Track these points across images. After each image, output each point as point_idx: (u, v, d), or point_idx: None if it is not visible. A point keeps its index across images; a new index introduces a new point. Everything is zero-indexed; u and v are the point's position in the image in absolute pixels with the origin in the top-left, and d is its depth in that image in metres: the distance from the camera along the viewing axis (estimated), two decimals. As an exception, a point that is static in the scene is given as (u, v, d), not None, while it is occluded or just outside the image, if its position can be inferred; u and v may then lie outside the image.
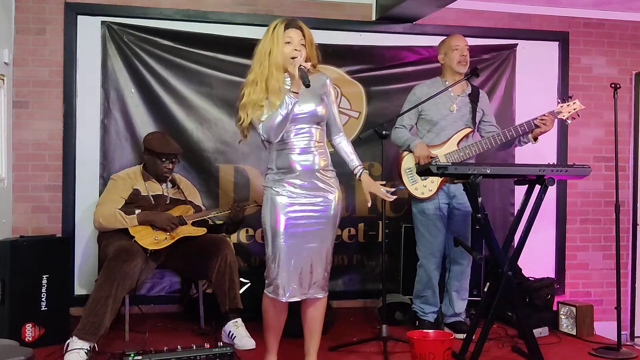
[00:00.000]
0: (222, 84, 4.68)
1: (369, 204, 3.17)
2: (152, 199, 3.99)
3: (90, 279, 4.31)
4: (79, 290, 4.47)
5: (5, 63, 4.28)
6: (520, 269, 4.60)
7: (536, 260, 4.91)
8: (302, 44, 3.01)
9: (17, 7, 4.46)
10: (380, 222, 4.61)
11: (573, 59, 5.29)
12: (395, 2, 4.57)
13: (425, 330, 3.50)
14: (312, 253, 3.02)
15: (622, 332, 3.94)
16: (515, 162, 4.92)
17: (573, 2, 5.15)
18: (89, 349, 3.39)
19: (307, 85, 2.87)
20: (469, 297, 4.23)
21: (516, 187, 4.73)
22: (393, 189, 3.16)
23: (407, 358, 3.41)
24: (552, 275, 5.07)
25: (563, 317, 4.28)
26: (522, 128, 3.99)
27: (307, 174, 3.02)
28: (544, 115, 3.96)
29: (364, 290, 4.92)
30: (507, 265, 3.35)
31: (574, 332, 4.19)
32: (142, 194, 3.97)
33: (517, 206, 3.89)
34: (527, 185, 3.49)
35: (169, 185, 4.13)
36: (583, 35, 5.32)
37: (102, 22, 4.54)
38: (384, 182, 3.18)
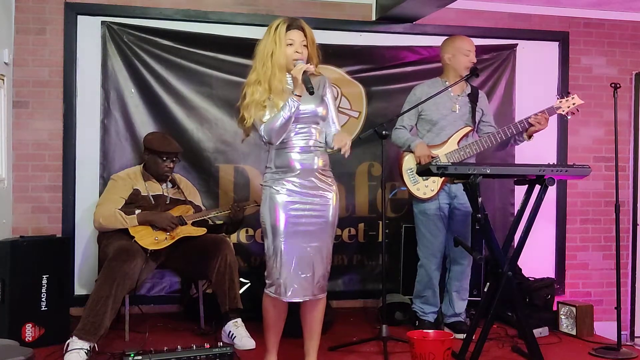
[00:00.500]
0: (222, 84, 4.68)
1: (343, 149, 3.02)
2: (152, 199, 3.99)
3: (90, 279, 4.31)
4: (79, 290, 4.47)
5: (5, 63, 4.28)
6: (520, 269, 4.60)
7: (536, 260, 4.91)
8: (303, 45, 3.02)
9: (17, 7, 4.46)
10: (380, 222, 4.62)
11: (573, 59, 5.29)
12: (395, 2, 4.57)
13: (425, 330, 3.50)
14: (313, 253, 3.02)
15: (622, 332, 3.94)
16: (515, 162, 4.92)
17: (573, 2, 5.15)
18: (89, 349, 3.39)
19: (311, 93, 2.88)
20: (469, 297, 4.23)
21: (516, 187, 4.73)
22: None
23: (407, 358, 3.41)
24: (552, 275, 5.07)
25: (563, 317, 4.28)
26: (522, 125, 3.99)
27: (306, 173, 3.03)
28: (537, 114, 3.96)
29: (364, 290, 4.92)
30: (507, 265, 3.35)
31: (574, 332, 4.19)
32: (142, 194, 3.97)
33: (517, 206, 3.89)
34: (527, 185, 3.49)
35: (169, 185, 4.13)
36: (583, 35, 5.32)
37: (102, 22, 4.54)
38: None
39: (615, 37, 5.37)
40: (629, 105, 5.36)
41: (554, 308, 4.45)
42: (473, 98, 4.14)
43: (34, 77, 4.48)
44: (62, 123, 4.51)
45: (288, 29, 3.00)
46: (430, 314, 4.15)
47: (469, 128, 4.09)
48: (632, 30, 5.40)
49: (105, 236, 3.87)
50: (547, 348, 3.72)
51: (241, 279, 4.17)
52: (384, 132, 3.70)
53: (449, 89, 4.07)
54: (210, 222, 4.19)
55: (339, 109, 4.72)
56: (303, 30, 3.04)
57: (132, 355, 3.05)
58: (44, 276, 3.72)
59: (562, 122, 5.10)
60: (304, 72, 2.90)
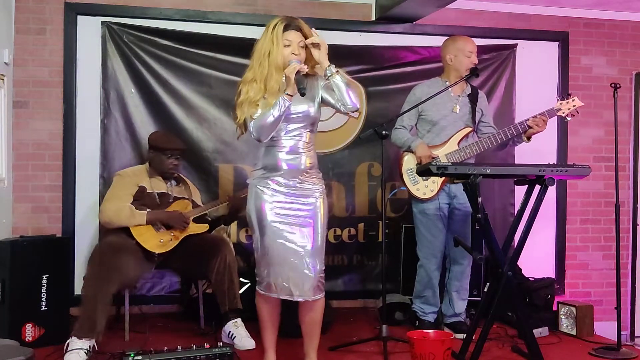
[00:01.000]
0: (221, 84, 4.68)
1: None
2: (157, 197, 3.98)
3: (90, 279, 4.31)
4: (79, 290, 4.43)
5: (5, 63, 4.28)
6: (520, 269, 4.60)
7: (536, 260, 4.91)
8: (301, 46, 3.01)
9: (17, 7, 4.46)
10: (380, 222, 4.61)
11: (573, 59, 5.29)
12: (395, 2, 4.57)
13: (425, 330, 3.50)
14: (302, 253, 3.01)
15: (622, 332, 3.94)
16: (515, 162, 4.92)
17: (573, 2, 5.15)
18: (88, 348, 3.40)
19: (302, 94, 2.87)
20: (469, 297, 4.23)
21: (516, 187, 4.73)
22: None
23: (407, 358, 3.41)
24: (552, 275, 5.07)
25: (563, 317, 4.28)
26: (522, 126, 3.99)
27: (292, 173, 3.03)
28: (537, 116, 3.96)
29: (364, 290, 4.92)
30: (507, 265, 3.35)
31: (574, 332, 4.19)
32: (147, 191, 3.97)
33: (517, 206, 3.88)
34: (527, 185, 3.49)
35: (173, 183, 4.13)
36: (583, 35, 5.32)
37: (102, 22, 4.54)
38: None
39: (615, 37, 5.37)
40: (629, 106, 5.36)
41: (554, 308, 4.45)
42: (473, 98, 4.14)
43: (34, 77, 4.48)
44: (62, 123, 4.51)
45: (285, 29, 2.99)
46: (430, 314, 4.15)
47: (470, 129, 4.09)
48: (632, 30, 5.40)
49: (105, 235, 3.88)
50: (547, 348, 3.72)
51: (241, 279, 4.17)
52: (383, 132, 3.70)
53: (449, 89, 4.07)
54: (208, 218, 4.18)
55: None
56: (301, 30, 3.03)
57: (132, 355, 3.05)
58: (44, 276, 3.73)
59: (562, 122, 5.09)
60: (297, 72, 2.89)
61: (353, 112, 3.17)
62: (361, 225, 4.91)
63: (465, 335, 3.62)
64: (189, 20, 4.67)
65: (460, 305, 4.15)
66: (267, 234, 3.00)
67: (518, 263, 4.03)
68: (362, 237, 4.91)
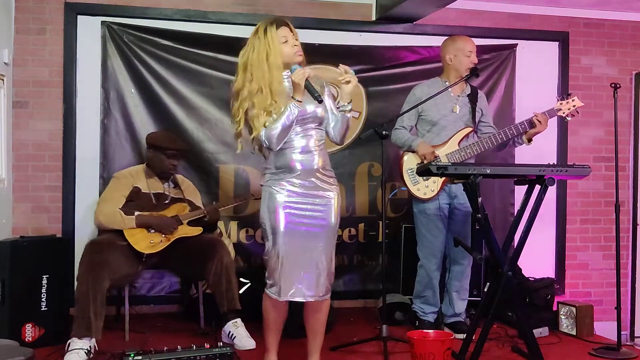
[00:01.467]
0: (222, 84, 4.67)
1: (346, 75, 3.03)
2: (153, 197, 3.99)
3: (90, 279, 4.30)
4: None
5: (5, 63, 4.28)
6: (520, 269, 4.60)
7: (536, 260, 4.90)
8: (295, 39, 3.02)
9: (17, 7, 4.46)
10: (380, 222, 4.61)
11: (573, 59, 5.29)
12: (395, 2, 4.57)
13: (425, 330, 3.50)
14: (315, 253, 3.01)
15: (622, 332, 3.94)
16: (515, 162, 4.92)
17: (573, 2, 5.15)
18: (88, 348, 3.40)
19: (320, 101, 2.89)
20: (469, 297, 4.23)
21: (516, 187, 4.73)
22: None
23: (407, 358, 3.40)
24: (552, 275, 5.07)
25: (563, 317, 4.28)
26: (523, 126, 3.99)
27: (306, 173, 3.02)
28: (538, 115, 3.95)
29: (364, 290, 4.92)
30: (507, 265, 3.35)
31: (574, 332, 4.19)
32: (142, 191, 3.97)
33: (517, 206, 3.88)
34: (527, 185, 3.49)
35: (171, 184, 4.13)
36: (583, 35, 5.32)
37: (102, 22, 4.54)
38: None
39: (615, 37, 5.37)
40: (629, 106, 5.36)
41: (554, 308, 4.45)
42: (473, 98, 4.14)
43: (34, 77, 4.48)
44: (62, 123, 4.51)
45: (277, 27, 2.98)
46: (430, 314, 4.15)
47: (470, 129, 4.09)
48: (632, 30, 5.40)
49: (97, 236, 3.89)
50: (547, 348, 3.72)
51: (241, 279, 4.18)
52: (383, 132, 3.69)
53: (449, 89, 4.07)
54: (206, 220, 4.18)
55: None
56: (288, 25, 3.02)
57: (132, 355, 3.05)
58: (44, 276, 3.73)
59: (562, 122, 5.09)
60: (307, 80, 2.89)
61: (334, 142, 3.22)
62: (361, 225, 4.91)
63: (465, 335, 3.62)
64: (189, 20, 4.67)
65: (460, 305, 4.15)
66: (281, 236, 2.98)
67: (518, 263, 4.03)
68: (362, 237, 4.91)
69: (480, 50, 4.94)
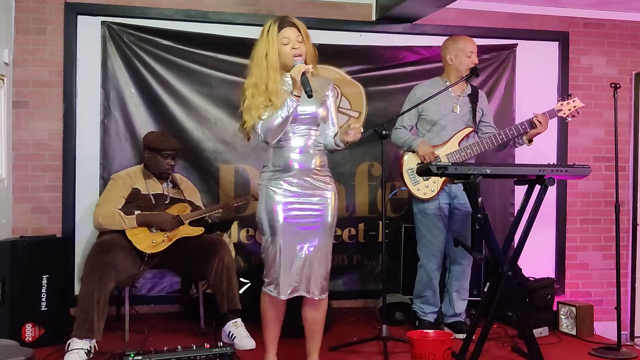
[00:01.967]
0: (222, 84, 4.68)
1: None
2: (152, 198, 3.99)
3: (90, 279, 4.31)
4: (79, 290, 4.46)
5: (5, 63, 4.28)
6: (520, 269, 4.60)
7: (536, 260, 4.90)
8: (299, 41, 3.01)
9: (17, 7, 4.46)
10: (380, 222, 4.62)
11: (573, 59, 5.29)
12: (395, 2, 4.57)
13: (425, 330, 3.50)
14: (312, 252, 3.02)
15: (622, 332, 3.94)
16: (515, 162, 4.92)
17: (573, 2, 5.15)
18: (89, 348, 3.40)
19: (310, 95, 2.86)
20: (469, 297, 4.23)
21: (516, 187, 4.73)
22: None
23: (407, 358, 3.41)
24: (552, 275, 5.07)
25: (563, 317, 4.28)
26: (523, 126, 3.99)
27: (303, 173, 3.03)
28: (538, 116, 3.95)
29: (364, 290, 4.92)
30: (507, 265, 3.35)
31: (574, 332, 4.19)
32: (142, 192, 3.97)
33: (517, 206, 3.89)
34: (527, 185, 3.49)
35: (170, 185, 4.13)
36: (583, 35, 5.32)
37: (102, 22, 4.54)
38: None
39: (615, 37, 5.37)
40: (629, 106, 5.36)
41: (554, 308, 4.45)
42: (473, 98, 4.14)
43: (34, 77, 4.48)
44: (62, 123, 4.51)
45: (280, 27, 2.99)
46: (430, 314, 4.15)
47: (470, 129, 4.09)
48: (632, 30, 5.40)
49: (100, 236, 3.88)
50: (547, 348, 3.72)
51: (241, 279, 4.18)
52: (384, 132, 3.70)
53: (449, 89, 4.07)
54: (208, 221, 4.19)
55: (339, 109, 4.73)
56: (296, 26, 3.02)
57: (132, 355, 3.05)
58: (44, 276, 3.72)
59: (562, 122, 5.09)
60: (303, 73, 2.89)
61: (323, 145, 3.18)
62: (361, 225, 4.91)
63: (465, 335, 3.62)
64: (190, 20, 4.67)
65: (460, 305, 4.15)
66: (279, 234, 2.99)
67: (518, 263, 4.03)
68: (362, 237, 4.91)
69: (480, 50, 4.93)
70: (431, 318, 4.15)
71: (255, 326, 3.63)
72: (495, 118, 4.60)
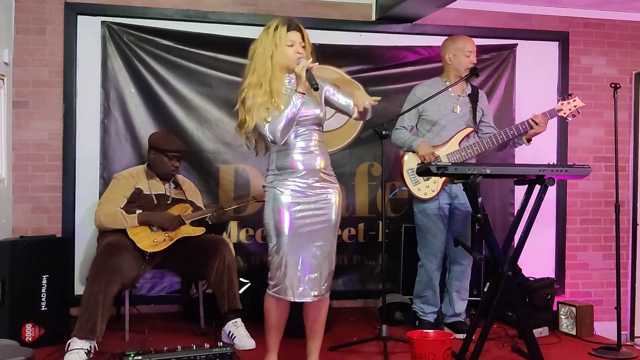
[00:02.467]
0: (222, 84, 4.68)
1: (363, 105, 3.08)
2: (154, 198, 3.98)
3: (91, 279, 4.31)
4: (79, 290, 4.45)
5: (5, 63, 4.28)
6: (520, 269, 4.60)
7: (536, 260, 4.91)
8: (302, 46, 3.03)
9: (17, 7, 4.45)
10: (380, 222, 4.61)
11: (573, 59, 5.29)
12: (395, 2, 4.57)
13: (425, 330, 3.50)
14: (319, 252, 3.03)
15: (622, 332, 3.94)
16: (515, 162, 4.92)
17: (573, 2, 5.15)
18: (89, 349, 3.40)
19: (316, 88, 2.89)
20: (469, 297, 4.23)
21: (516, 187, 4.73)
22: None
23: (407, 358, 3.41)
24: (552, 275, 5.07)
25: (563, 317, 4.28)
26: (524, 126, 3.99)
27: (309, 174, 3.04)
28: (538, 115, 3.96)
29: (364, 290, 4.92)
30: (507, 265, 3.35)
31: (574, 332, 4.19)
32: (144, 192, 3.97)
33: (517, 206, 3.89)
34: (527, 185, 3.49)
35: (172, 185, 4.13)
36: (583, 35, 5.32)
37: (102, 22, 4.54)
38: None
39: (615, 37, 5.37)
40: (629, 106, 5.36)
41: (554, 308, 4.45)
42: (474, 98, 4.14)
43: (34, 77, 4.48)
44: (62, 123, 4.51)
45: (288, 30, 3.01)
46: (430, 314, 4.15)
47: (471, 129, 4.09)
48: (632, 30, 5.40)
49: (103, 235, 3.88)
50: (547, 348, 3.72)
51: (241, 279, 4.17)
52: (384, 132, 3.70)
53: (449, 89, 4.07)
54: (209, 222, 4.19)
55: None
56: (300, 31, 3.05)
57: (132, 355, 3.05)
58: (44, 276, 3.72)
59: (562, 122, 5.09)
60: (308, 69, 2.91)
61: (353, 117, 3.26)
62: (361, 225, 4.91)
63: (465, 335, 3.62)
64: (190, 21, 4.67)
65: (460, 305, 4.15)
66: (285, 237, 2.99)
67: (518, 263, 4.03)
68: (362, 237, 4.91)
69: (480, 50, 4.93)
70: (431, 318, 4.15)
71: (255, 326, 3.64)
72: (495, 118, 4.60)
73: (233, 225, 4.69)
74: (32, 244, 3.77)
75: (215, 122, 4.70)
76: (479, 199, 3.26)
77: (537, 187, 3.40)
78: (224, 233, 4.49)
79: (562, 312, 4.30)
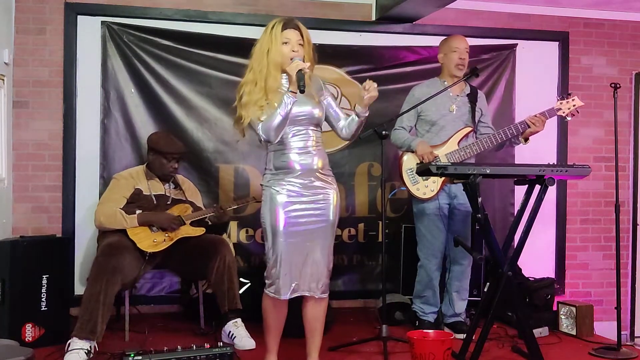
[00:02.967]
0: (222, 84, 4.68)
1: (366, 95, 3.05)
2: (154, 199, 3.98)
3: (91, 279, 4.31)
4: (79, 290, 4.45)
5: (5, 63, 4.28)
6: (520, 269, 4.60)
7: (536, 260, 4.91)
8: (299, 44, 3.03)
9: (17, 7, 4.46)
10: (380, 222, 4.62)
11: (573, 59, 5.29)
12: (395, 2, 4.57)
13: (425, 330, 3.50)
14: (314, 251, 3.03)
15: (622, 332, 3.94)
16: (515, 162, 4.92)
17: (573, 2, 5.15)
18: (89, 349, 3.40)
19: (302, 91, 2.88)
20: (469, 297, 4.23)
21: (516, 187, 4.73)
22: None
23: (407, 358, 3.41)
24: (552, 275, 5.07)
25: (563, 317, 4.28)
26: (523, 126, 3.99)
27: (306, 174, 3.04)
28: (536, 115, 3.96)
29: (364, 290, 4.92)
30: (507, 265, 3.35)
31: (574, 332, 4.19)
32: (144, 193, 3.97)
33: (517, 206, 3.89)
34: (527, 185, 3.49)
35: (172, 185, 4.13)
36: (583, 35, 5.32)
37: (102, 22, 4.54)
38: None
39: (615, 37, 5.37)
40: (629, 105, 5.36)
41: (554, 308, 4.45)
42: (472, 98, 4.14)
43: (34, 77, 4.48)
44: (62, 123, 4.51)
45: (284, 28, 3.02)
46: (430, 314, 4.15)
47: (470, 129, 4.09)
48: (632, 30, 5.40)
49: (103, 235, 3.88)
50: (547, 348, 3.72)
51: (241, 279, 4.17)
52: (383, 132, 3.70)
53: (448, 89, 4.07)
54: (209, 222, 4.18)
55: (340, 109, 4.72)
56: (299, 30, 3.05)
57: (132, 355, 3.05)
58: (44, 276, 3.72)
59: (562, 122, 5.10)
60: (299, 70, 2.90)
61: (343, 139, 3.31)
62: (361, 225, 4.91)
63: (465, 335, 3.62)
64: (190, 21, 4.67)
65: (460, 305, 4.15)
66: (280, 236, 3.00)
67: (518, 263, 4.03)
68: (362, 237, 4.91)
69: (480, 50, 4.95)
70: (431, 318, 4.15)
71: (255, 326, 3.63)
72: (495, 118, 4.60)
73: (233, 226, 4.70)
74: (32, 244, 3.77)
75: (215, 122, 4.70)
76: (479, 199, 3.26)
77: (537, 187, 3.40)
78: (224, 234, 4.49)
79: (562, 312, 4.30)
